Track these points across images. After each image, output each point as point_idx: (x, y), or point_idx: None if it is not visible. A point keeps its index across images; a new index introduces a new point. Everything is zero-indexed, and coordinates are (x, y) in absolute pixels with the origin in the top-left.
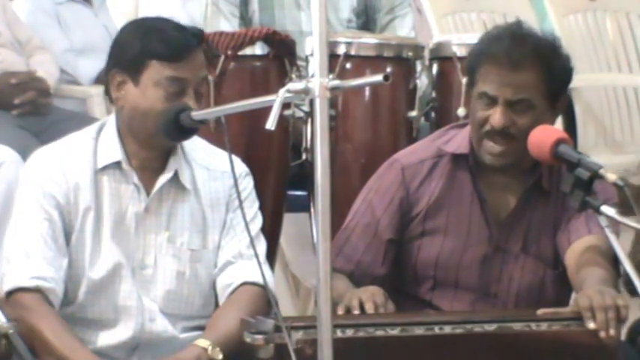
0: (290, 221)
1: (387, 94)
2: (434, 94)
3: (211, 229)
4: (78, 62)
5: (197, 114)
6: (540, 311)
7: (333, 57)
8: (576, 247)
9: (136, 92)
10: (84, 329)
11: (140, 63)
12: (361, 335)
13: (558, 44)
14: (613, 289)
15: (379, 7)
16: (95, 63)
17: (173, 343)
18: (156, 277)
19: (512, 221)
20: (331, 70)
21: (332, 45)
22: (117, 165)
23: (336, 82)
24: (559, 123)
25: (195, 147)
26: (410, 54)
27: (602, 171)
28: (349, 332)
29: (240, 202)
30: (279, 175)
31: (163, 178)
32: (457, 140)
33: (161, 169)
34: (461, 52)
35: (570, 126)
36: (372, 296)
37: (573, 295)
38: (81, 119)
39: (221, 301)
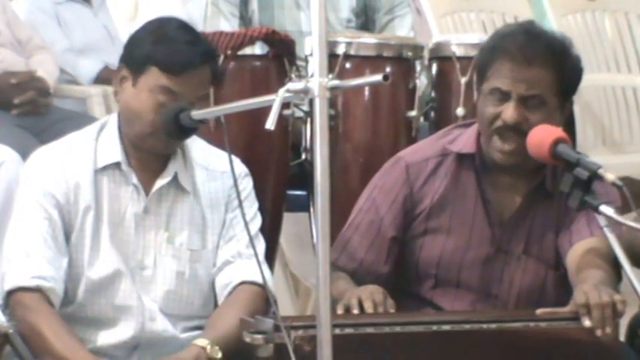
0: (290, 221)
1: (387, 93)
2: (433, 94)
3: (211, 229)
4: (78, 62)
5: (197, 114)
6: (539, 311)
7: (332, 57)
8: (577, 249)
9: (132, 92)
10: (84, 328)
11: (142, 65)
12: (359, 332)
13: (570, 44)
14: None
15: (378, 7)
16: (95, 63)
17: (173, 342)
18: (155, 278)
19: (515, 222)
20: (331, 69)
21: (331, 45)
22: (116, 165)
23: (336, 82)
24: None
25: (195, 147)
26: (409, 54)
27: (601, 171)
28: (348, 330)
29: (240, 202)
30: (278, 174)
31: (162, 181)
32: (462, 140)
33: (160, 169)
34: (460, 52)
35: (569, 126)
36: (371, 295)
37: None
38: (81, 119)
39: (220, 300)
